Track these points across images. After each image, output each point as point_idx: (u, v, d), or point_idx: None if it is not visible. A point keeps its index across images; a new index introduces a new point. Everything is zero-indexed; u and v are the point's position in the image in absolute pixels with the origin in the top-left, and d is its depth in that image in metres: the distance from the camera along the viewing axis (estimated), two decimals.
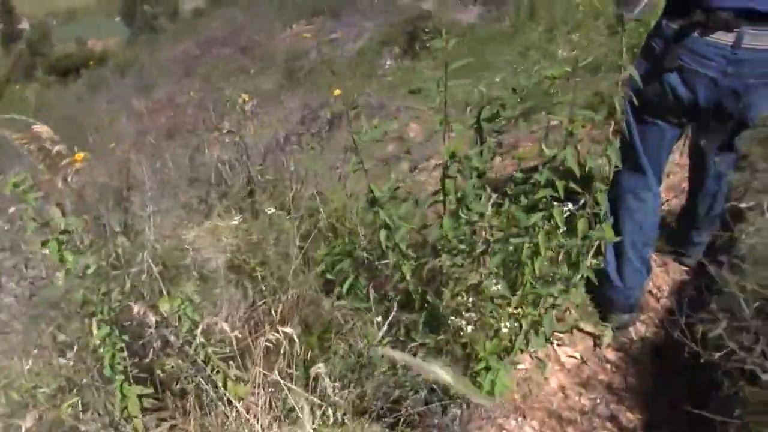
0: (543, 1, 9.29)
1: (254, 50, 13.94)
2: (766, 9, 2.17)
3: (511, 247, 1.80)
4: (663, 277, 2.97)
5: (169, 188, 2.59)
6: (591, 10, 7.80)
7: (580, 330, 2.47)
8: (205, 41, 15.31)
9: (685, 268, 3.02)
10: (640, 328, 2.62)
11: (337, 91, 2.94)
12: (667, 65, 2.25)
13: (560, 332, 2.18)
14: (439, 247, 1.86)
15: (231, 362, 1.97)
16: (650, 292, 2.86)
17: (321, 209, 2.59)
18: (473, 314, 1.78)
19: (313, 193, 2.75)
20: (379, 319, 2.04)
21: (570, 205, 2.74)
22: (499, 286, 1.73)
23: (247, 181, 3.02)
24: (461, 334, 1.77)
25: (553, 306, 2.07)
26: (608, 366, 2.43)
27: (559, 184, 1.99)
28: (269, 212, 2.44)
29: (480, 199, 1.94)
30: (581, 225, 2.06)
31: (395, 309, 2.05)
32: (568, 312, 2.48)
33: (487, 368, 1.77)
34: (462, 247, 1.78)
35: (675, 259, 3.07)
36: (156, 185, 2.48)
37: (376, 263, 2.14)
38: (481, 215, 1.82)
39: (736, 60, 2.24)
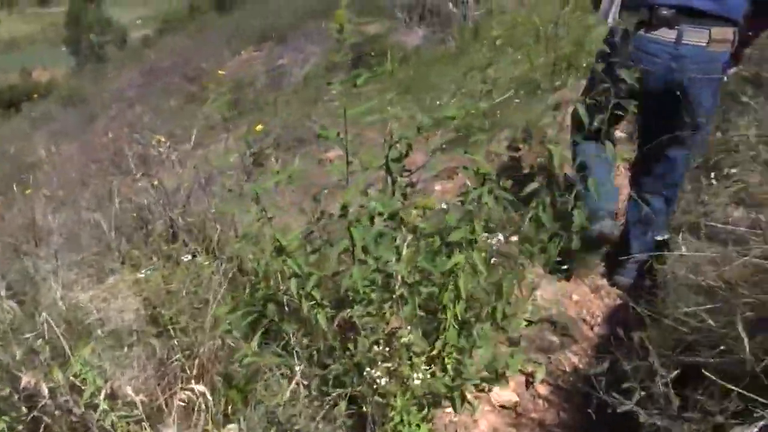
0: (486, 22, 9.39)
1: (201, 78, 13.76)
2: (702, 7, 2.39)
3: (425, 293, 1.74)
4: (597, 303, 2.95)
5: (81, 238, 2.46)
6: (532, 28, 7.92)
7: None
8: (151, 70, 15.07)
9: (620, 290, 3.02)
10: (573, 359, 2.58)
11: (259, 127, 2.88)
12: (616, 60, 2.42)
13: (488, 380, 2.10)
14: (351, 297, 1.79)
15: (143, 424, 1.86)
16: (584, 319, 2.83)
17: (244, 253, 2.50)
18: (389, 365, 1.70)
19: (237, 236, 2.67)
20: (300, 368, 1.96)
21: (500, 237, 2.70)
22: (410, 336, 1.66)
23: (170, 225, 2.91)
24: (375, 386, 1.69)
25: (478, 347, 2.01)
26: (541, 402, 2.38)
27: (477, 225, 1.94)
28: (186, 259, 2.34)
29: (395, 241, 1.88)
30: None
31: (316, 358, 1.97)
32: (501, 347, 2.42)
33: (403, 422, 1.69)
34: (373, 296, 1.71)
35: (609, 283, 3.07)
36: (65, 236, 2.36)
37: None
38: (394, 260, 1.75)
39: (680, 55, 2.44)
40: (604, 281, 3.04)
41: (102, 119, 12.57)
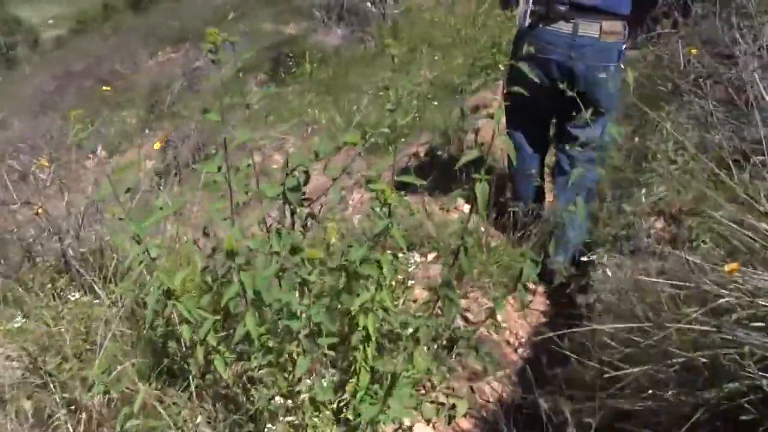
0: (405, 21, 9.37)
1: (117, 82, 13.25)
2: (590, 3, 2.70)
3: (330, 336, 1.63)
4: (521, 323, 2.89)
5: None
6: (450, 29, 7.95)
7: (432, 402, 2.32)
8: (65, 73, 14.39)
9: (542, 308, 2.99)
10: (497, 387, 2.51)
11: (156, 145, 2.72)
12: (522, 53, 2.37)
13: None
14: (246, 346, 1.67)
15: None
16: (507, 341, 2.77)
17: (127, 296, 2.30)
18: (292, 418, 1.60)
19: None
20: (199, 420, 1.84)
21: (416, 257, 2.63)
22: (315, 388, 1.56)
23: (62, 255, 2.72)
24: None
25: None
26: None
27: (383, 260, 1.82)
28: (74, 297, 2.18)
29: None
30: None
31: (217, 410, 1.85)
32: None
33: None
34: (271, 344, 1.60)
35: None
36: None
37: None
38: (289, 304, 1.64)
39: (577, 45, 2.73)
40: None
41: (11, 129, 11.91)
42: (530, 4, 2.77)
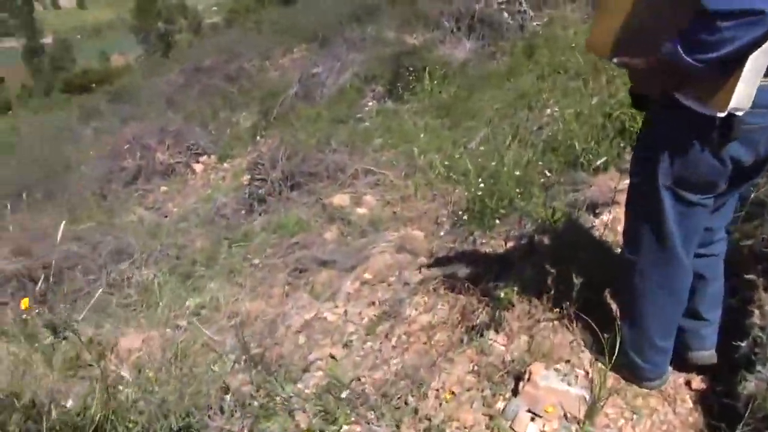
0: (541, 39, 8.08)
1: (240, 81, 12.97)
2: None
3: None
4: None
5: None
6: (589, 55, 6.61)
7: None
8: (194, 69, 14.36)
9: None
10: None
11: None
12: (735, 135, 1.75)
13: None
14: None
15: None
16: None
17: None
18: None
19: None
20: None
21: None
22: None
23: None
24: None
25: None
26: None
27: None
28: None
29: None
30: None
31: None
32: None
33: None
34: None
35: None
36: None
37: None
38: None
39: None
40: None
41: (139, 121, 11.91)
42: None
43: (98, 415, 2.17)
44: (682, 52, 1.61)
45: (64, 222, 3.53)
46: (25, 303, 3.34)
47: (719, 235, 2.14)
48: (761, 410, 1.77)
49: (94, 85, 18.54)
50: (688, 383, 2.20)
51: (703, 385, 2.17)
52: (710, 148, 1.79)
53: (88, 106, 16.73)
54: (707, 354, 2.20)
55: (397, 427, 2.05)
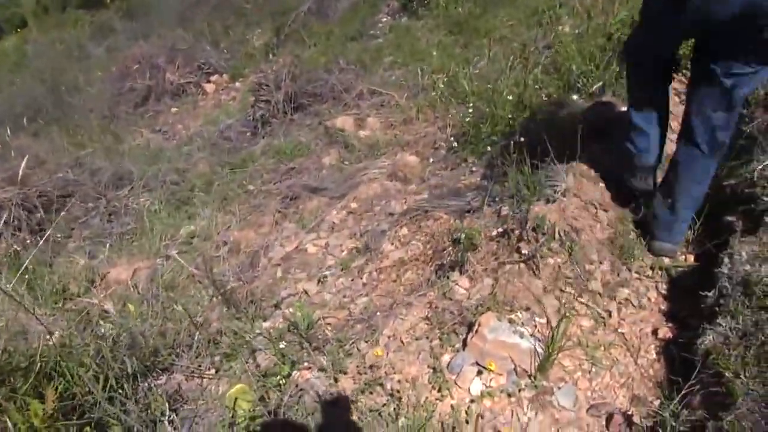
0: None
1: None
2: None
3: None
4: None
5: None
6: None
7: None
8: None
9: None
10: None
11: None
12: None
13: None
14: None
15: None
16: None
17: None
18: None
19: None
20: None
21: None
22: None
23: None
24: None
25: None
26: None
27: None
28: None
29: None
30: None
31: None
32: None
33: None
34: None
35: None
36: None
37: None
38: None
39: None
40: None
41: (150, 39, 11.63)
42: None
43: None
44: None
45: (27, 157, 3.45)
46: None
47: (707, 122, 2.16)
48: (714, 366, 1.66)
49: (109, 0, 17.97)
50: (654, 332, 2.09)
51: (669, 335, 2.05)
52: None
53: (100, 22, 16.40)
54: (669, 246, 2.41)
55: (335, 380, 2.00)
